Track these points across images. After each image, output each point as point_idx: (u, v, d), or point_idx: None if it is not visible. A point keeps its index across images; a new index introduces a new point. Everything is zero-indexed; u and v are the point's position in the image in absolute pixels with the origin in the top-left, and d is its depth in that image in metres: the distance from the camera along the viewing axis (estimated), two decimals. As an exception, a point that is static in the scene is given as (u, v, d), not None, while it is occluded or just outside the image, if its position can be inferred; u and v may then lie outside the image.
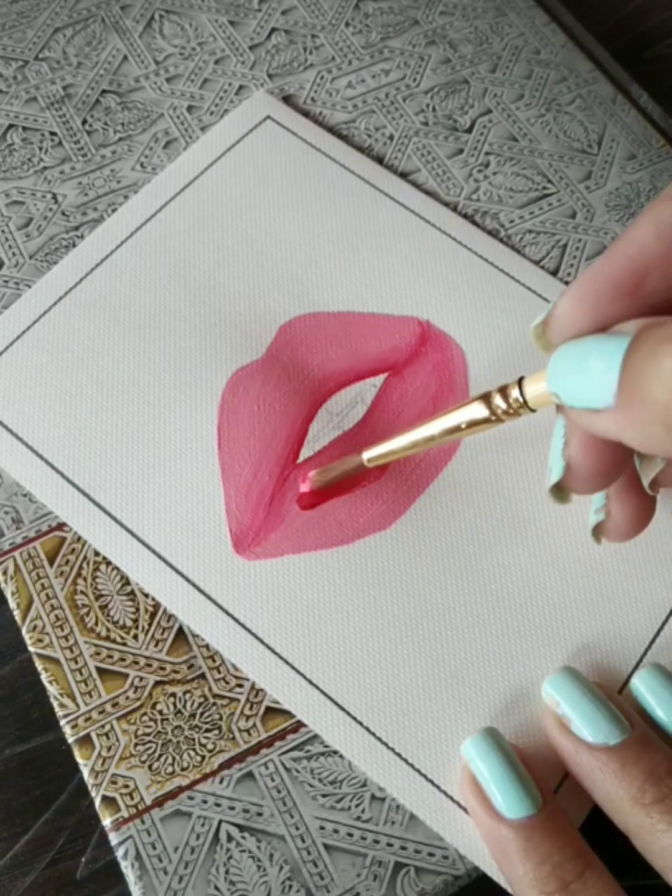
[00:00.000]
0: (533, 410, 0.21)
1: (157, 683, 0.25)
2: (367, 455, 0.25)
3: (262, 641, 0.25)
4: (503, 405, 0.21)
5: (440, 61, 0.35)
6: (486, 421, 0.22)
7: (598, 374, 0.17)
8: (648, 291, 0.18)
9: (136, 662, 0.25)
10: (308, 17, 0.36)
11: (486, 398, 0.22)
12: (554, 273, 0.31)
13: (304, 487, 0.27)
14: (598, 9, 0.41)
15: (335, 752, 0.24)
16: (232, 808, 0.24)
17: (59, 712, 0.25)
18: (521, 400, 0.21)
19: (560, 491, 0.21)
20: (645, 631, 0.26)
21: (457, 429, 0.23)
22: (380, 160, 0.33)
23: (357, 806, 0.24)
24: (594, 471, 0.20)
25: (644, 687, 0.24)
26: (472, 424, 0.22)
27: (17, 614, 0.26)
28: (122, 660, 0.25)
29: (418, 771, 0.24)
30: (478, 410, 0.22)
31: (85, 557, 0.26)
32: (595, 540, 0.23)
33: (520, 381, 0.21)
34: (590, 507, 0.24)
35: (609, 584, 0.26)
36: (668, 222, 0.18)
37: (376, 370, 0.29)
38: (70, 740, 0.24)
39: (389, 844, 0.23)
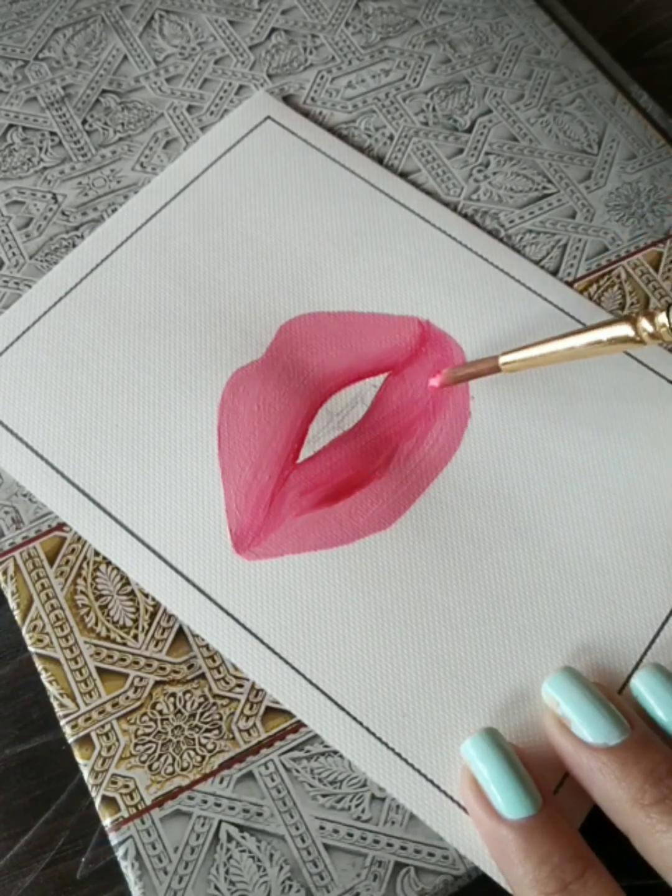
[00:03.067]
0: None
1: (157, 683, 0.25)
2: (504, 359, 0.26)
3: (262, 641, 0.25)
4: (649, 328, 0.22)
5: (440, 61, 0.35)
6: (630, 340, 0.23)
7: None
8: None
9: (136, 662, 0.25)
10: (308, 17, 0.36)
11: (631, 320, 0.23)
12: (554, 273, 0.31)
13: (435, 382, 0.27)
14: (598, 9, 0.41)
15: (335, 752, 0.24)
16: (232, 808, 0.24)
17: (59, 712, 0.25)
18: (668, 325, 0.22)
19: None
20: (645, 631, 0.26)
21: (599, 343, 0.23)
22: (380, 160, 0.33)
23: (357, 806, 0.24)
24: None
25: (644, 687, 0.24)
26: (616, 342, 0.23)
27: (17, 614, 0.26)
28: (122, 660, 0.25)
29: (418, 771, 0.24)
30: (623, 330, 0.23)
31: (85, 557, 0.26)
32: None
33: (668, 308, 0.22)
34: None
35: (609, 584, 0.26)
36: None
37: (376, 370, 0.29)
38: (70, 740, 0.24)
39: (389, 844, 0.23)
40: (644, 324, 0.23)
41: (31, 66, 0.35)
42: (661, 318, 0.22)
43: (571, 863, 0.20)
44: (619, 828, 0.21)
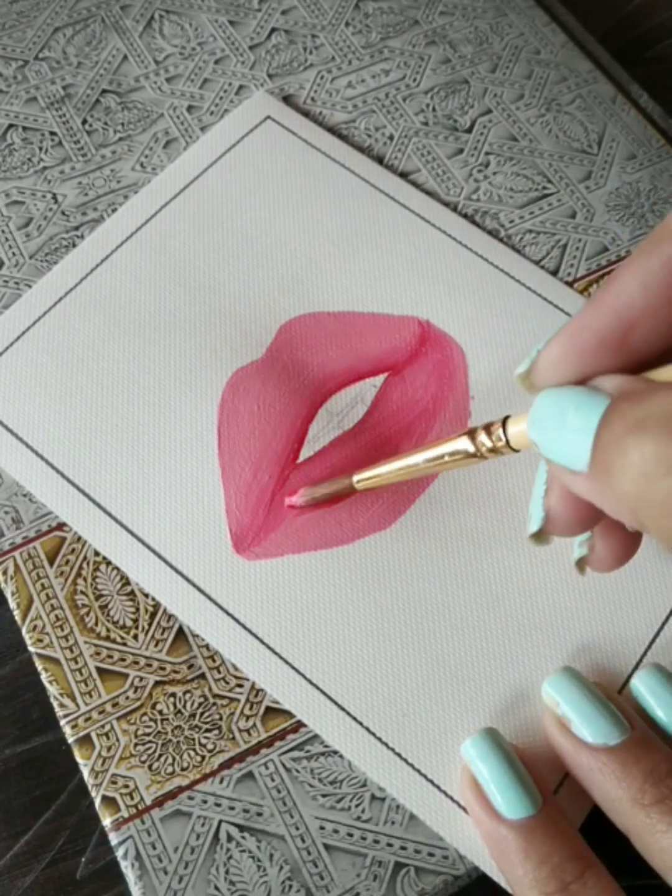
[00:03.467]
0: (516, 450, 0.21)
1: (157, 683, 0.25)
2: (356, 478, 0.25)
3: (262, 641, 0.25)
4: (488, 443, 0.21)
5: (440, 61, 0.35)
6: (470, 455, 0.22)
7: (575, 432, 0.17)
8: (634, 345, 0.17)
9: (136, 662, 0.25)
10: (308, 17, 0.36)
11: (471, 434, 0.22)
12: (554, 273, 0.31)
13: (292, 501, 0.27)
14: (598, 9, 0.41)
15: (335, 752, 0.24)
16: (232, 808, 0.24)
17: (59, 712, 0.25)
18: (504, 439, 0.21)
19: (540, 537, 0.21)
20: (645, 631, 0.26)
21: (441, 460, 0.23)
22: (380, 160, 0.33)
23: (357, 806, 0.24)
24: (574, 519, 0.20)
25: (644, 687, 0.24)
26: (456, 457, 0.22)
27: (17, 614, 0.26)
28: (122, 660, 0.25)
29: (418, 771, 0.24)
30: (463, 445, 0.22)
31: (85, 557, 0.26)
32: (579, 572, 0.23)
33: (504, 421, 0.21)
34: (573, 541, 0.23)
35: (609, 584, 0.26)
36: (654, 274, 0.17)
37: (376, 370, 0.29)
38: (70, 740, 0.24)
39: (389, 844, 0.23)
40: (482, 438, 0.21)
41: (31, 66, 0.35)
42: (499, 431, 0.21)
43: (571, 863, 0.20)
44: (619, 828, 0.21)
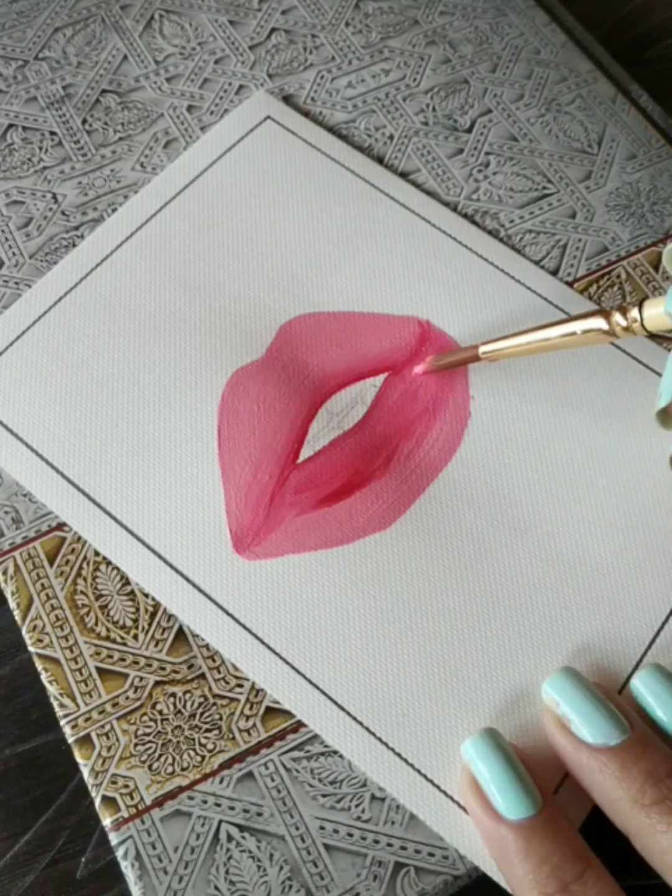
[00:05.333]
0: (649, 332, 0.22)
1: (157, 683, 0.25)
2: (483, 348, 0.26)
3: (262, 641, 0.25)
4: (622, 322, 0.23)
5: (440, 61, 0.35)
6: (603, 333, 0.23)
7: None
8: None
9: (136, 662, 0.25)
10: (308, 16, 0.36)
11: (605, 313, 0.23)
12: (554, 273, 0.31)
13: (419, 369, 0.28)
14: (598, 9, 0.41)
15: (335, 752, 0.24)
16: (232, 808, 0.24)
17: (59, 712, 0.25)
18: (639, 319, 0.22)
19: (667, 415, 0.22)
20: (645, 631, 0.26)
21: (574, 335, 0.24)
22: (380, 160, 0.33)
23: (357, 806, 0.24)
24: None
25: (644, 687, 0.24)
26: (589, 333, 0.24)
27: (17, 614, 0.26)
28: (122, 660, 0.25)
29: (418, 771, 0.24)
30: (597, 323, 0.23)
31: (85, 557, 0.26)
32: (661, 424, 0.24)
33: (641, 303, 0.22)
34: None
35: (609, 584, 0.26)
36: None
37: (376, 370, 0.29)
38: (70, 740, 0.24)
39: (389, 844, 0.23)
40: (617, 318, 0.23)
41: (31, 65, 0.35)
42: (634, 312, 0.23)
43: (571, 863, 0.20)
44: (619, 828, 0.21)
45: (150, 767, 0.24)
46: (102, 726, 0.24)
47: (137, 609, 0.26)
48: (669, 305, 0.21)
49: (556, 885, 0.20)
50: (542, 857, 0.20)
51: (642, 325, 0.23)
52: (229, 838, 0.23)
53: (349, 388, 0.29)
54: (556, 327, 0.25)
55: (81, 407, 0.28)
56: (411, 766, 0.24)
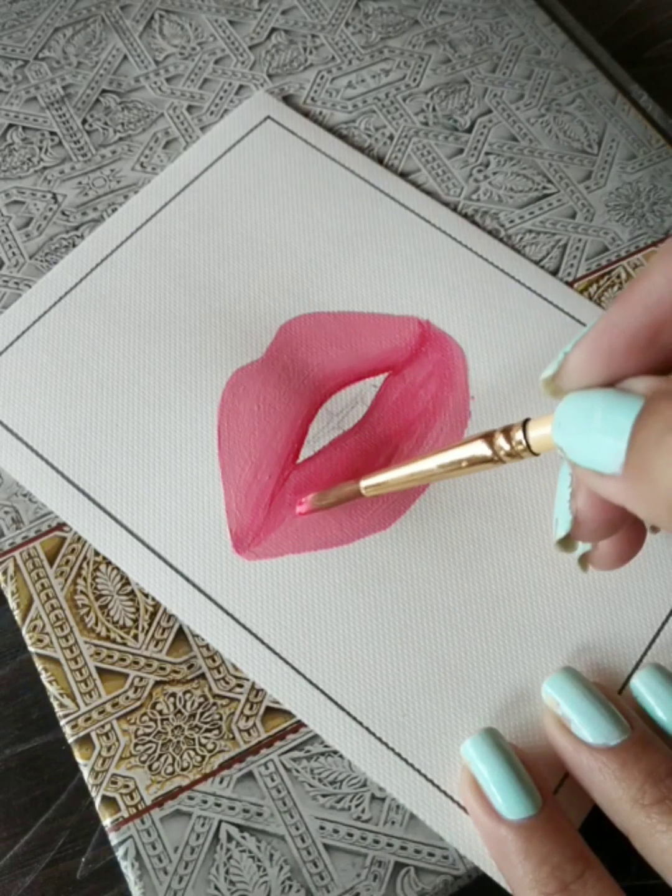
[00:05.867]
0: (536, 454, 0.20)
1: (157, 683, 0.25)
2: (364, 483, 0.25)
3: (262, 641, 0.25)
4: (506, 446, 0.21)
5: (440, 61, 0.35)
6: (487, 460, 0.21)
7: (604, 435, 0.16)
8: (664, 343, 0.17)
9: (136, 662, 0.25)
10: (308, 17, 0.36)
11: (488, 437, 0.21)
12: (554, 273, 0.31)
13: (301, 509, 0.26)
14: (598, 9, 0.41)
15: (335, 752, 0.24)
16: (232, 808, 0.24)
17: (59, 712, 0.25)
18: (524, 443, 0.20)
19: (567, 543, 0.21)
20: (645, 631, 0.26)
21: (457, 466, 0.22)
22: (380, 160, 0.33)
23: (357, 806, 0.24)
24: (602, 522, 0.20)
25: (644, 687, 0.24)
26: (474, 463, 0.22)
27: (17, 614, 0.26)
28: (122, 660, 0.25)
29: (418, 771, 0.24)
30: (480, 449, 0.21)
31: (85, 557, 0.26)
32: (581, 568, 0.22)
33: (524, 424, 0.20)
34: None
35: (609, 584, 0.26)
36: None
37: (376, 370, 0.29)
38: (70, 740, 0.24)
39: (389, 844, 0.23)
40: (500, 442, 0.21)
41: (31, 65, 0.35)
42: (518, 435, 0.20)
43: (571, 863, 0.20)
44: (620, 828, 0.21)
45: (150, 767, 0.24)
46: (102, 726, 0.24)
47: (137, 609, 0.26)
48: (557, 435, 0.18)
49: (555, 885, 0.20)
50: (542, 857, 0.20)
51: (528, 447, 0.20)
52: (229, 838, 0.23)
53: (349, 388, 0.29)
54: (435, 457, 0.23)
55: (81, 407, 0.28)
56: (411, 766, 0.24)
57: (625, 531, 0.21)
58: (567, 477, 0.20)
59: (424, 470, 0.23)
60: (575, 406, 0.18)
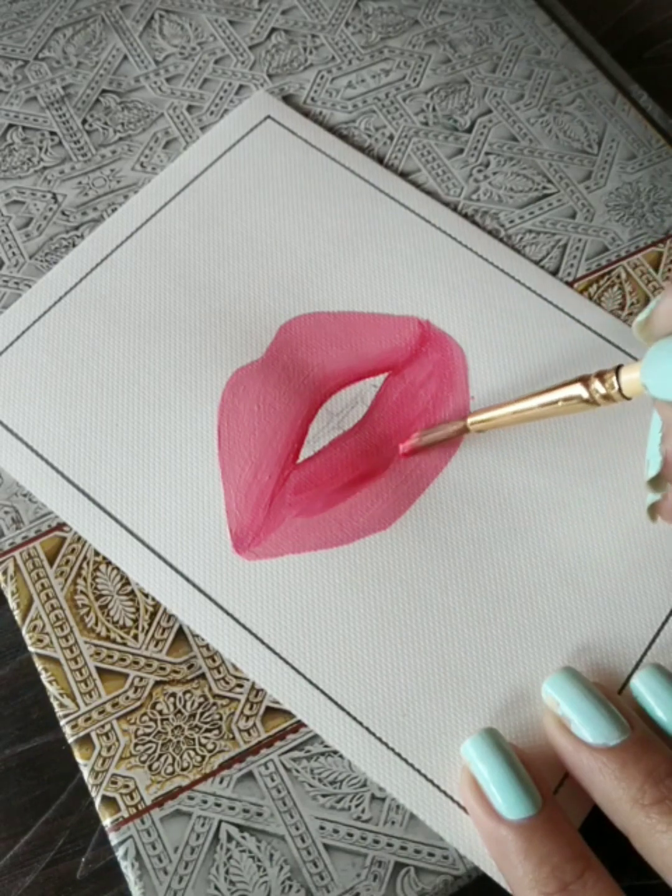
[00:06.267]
0: (628, 398, 0.22)
1: (157, 683, 0.25)
2: (471, 420, 0.26)
3: (262, 641, 0.25)
4: (601, 389, 0.22)
5: (440, 61, 0.35)
6: (583, 401, 0.23)
7: None
8: None
9: (136, 662, 0.25)
10: (308, 16, 0.36)
11: (584, 381, 0.23)
12: (554, 273, 0.31)
13: (405, 447, 0.27)
14: (598, 9, 0.41)
15: (335, 752, 0.24)
16: (232, 808, 0.24)
17: (59, 712, 0.25)
18: (617, 386, 0.22)
19: (658, 483, 0.22)
20: (645, 631, 0.26)
21: (555, 405, 0.24)
22: (380, 160, 0.33)
23: (357, 806, 0.24)
24: None
25: (644, 688, 0.24)
26: (570, 402, 0.23)
27: (17, 614, 0.26)
28: (122, 660, 0.25)
29: (418, 771, 0.24)
30: (576, 391, 0.23)
31: (85, 557, 0.26)
32: (650, 518, 0.24)
33: (617, 370, 0.22)
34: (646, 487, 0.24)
35: (609, 584, 0.26)
36: None
37: (376, 370, 0.29)
38: (70, 740, 0.24)
39: (389, 844, 0.23)
40: (596, 385, 0.23)
41: (31, 65, 0.35)
42: (611, 379, 0.22)
43: (571, 863, 0.20)
44: (619, 828, 0.21)
45: (150, 767, 0.24)
46: (102, 726, 0.24)
47: (137, 609, 0.26)
48: (645, 375, 0.21)
49: (555, 884, 0.20)
50: (542, 857, 0.20)
51: (620, 391, 0.22)
52: (229, 838, 0.23)
53: (349, 388, 0.29)
54: (537, 397, 0.24)
55: (81, 407, 0.28)
56: (411, 766, 0.24)
57: None
58: (658, 421, 0.22)
59: (525, 408, 0.25)
60: (663, 349, 0.20)
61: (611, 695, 0.23)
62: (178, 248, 0.31)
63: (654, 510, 0.24)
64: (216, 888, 0.23)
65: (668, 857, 0.20)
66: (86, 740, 0.24)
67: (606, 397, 0.23)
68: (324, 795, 0.24)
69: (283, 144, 0.32)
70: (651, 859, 0.21)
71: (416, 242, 0.31)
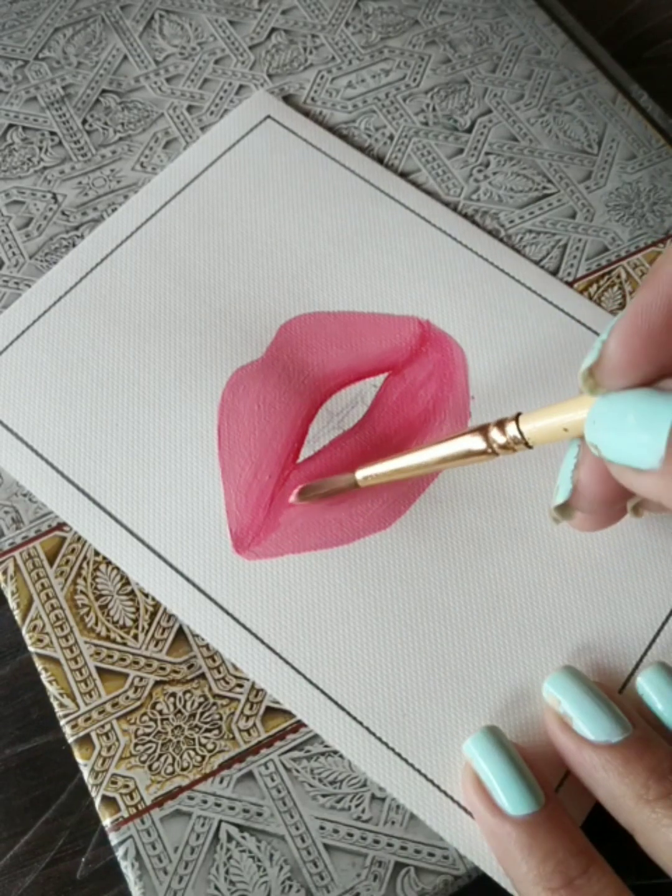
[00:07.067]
0: (530, 447, 0.21)
1: (157, 683, 0.25)
2: (360, 474, 0.25)
3: (262, 641, 0.25)
4: (500, 439, 0.21)
5: (440, 61, 0.35)
6: (482, 453, 0.22)
7: (641, 433, 0.17)
8: None
9: (136, 662, 0.25)
10: (308, 16, 0.36)
11: (483, 431, 0.22)
12: (554, 273, 0.31)
13: (293, 499, 0.26)
14: (598, 9, 0.41)
15: (335, 752, 0.24)
16: (232, 808, 0.24)
17: (59, 712, 0.25)
18: (519, 436, 0.21)
19: (565, 510, 0.21)
20: (645, 631, 0.26)
21: (452, 458, 0.23)
22: (380, 160, 0.33)
23: (357, 806, 0.24)
24: (601, 495, 0.21)
25: (649, 685, 0.24)
26: (469, 455, 0.22)
27: (17, 614, 0.26)
28: (122, 660, 0.25)
29: (418, 771, 0.24)
30: (474, 442, 0.22)
31: (85, 557, 0.26)
32: (553, 520, 0.23)
33: (516, 418, 0.21)
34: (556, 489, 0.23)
35: (609, 584, 0.26)
36: None
37: (376, 370, 0.29)
38: (70, 740, 0.24)
39: (389, 844, 0.23)
40: (494, 435, 0.21)
41: (31, 65, 0.35)
42: (511, 428, 0.21)
43: (575, 858, 0.20)
44: (623, 825, 0.21)
45: (150, 767, 0.24)
46: (102, 726, 0.24)
47: (137, 609, 0.26)
48: (591, 433, 0.19)
49: (560, 880, 0.20)
50: (545, 853, 0.20)
51: (524, 440, 0.21)
52: (229, 838, 0.23)
53: (349, 387, 0.29)
54: (430, 450, 0.23)
55: (81, 406, 0.28)
56: (411, 766, 0.24)
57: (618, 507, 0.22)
58: (575, 448, 0.21)
59: (420, 462, 0.24)
60: (609, 405, 0.18)
61: (612, 694, 0.23)
62: (177, 248, 0.31)
63: (563, 510, 0.22)
64: (216, 888, 0.23)
65: (673, 852, 0.20)
66: (86, 740, 0.24)
67: (505, 447, 0.21)
68: (324, 795, 0.24)
69: (283, 144, 0.32)
70: (656, 855, 0.21)
71: (416, 242, 0.31)
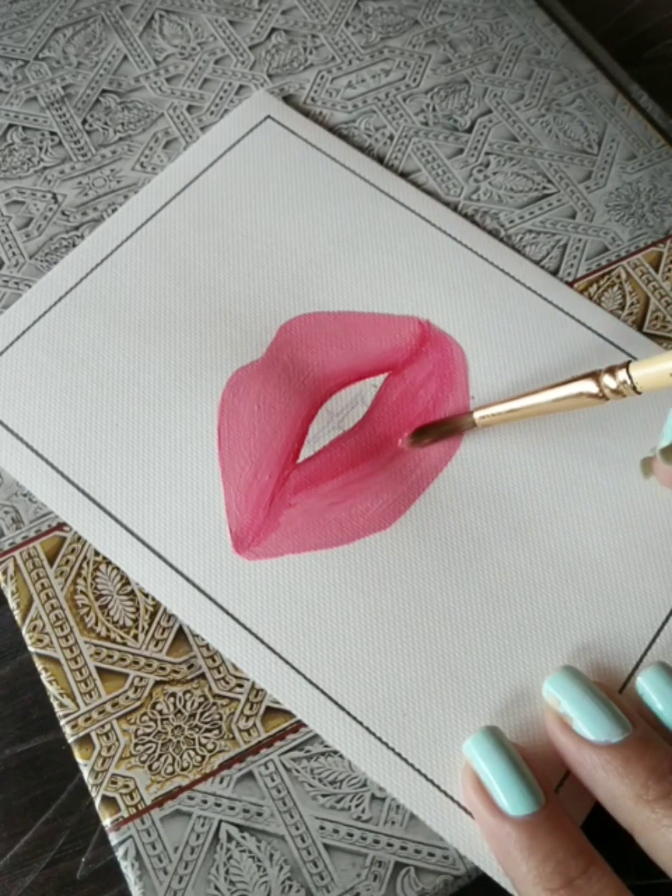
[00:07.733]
0: (639, 392, 0.23)
1: (157, 683, 0.25)
2: (478, 414, 0.27)
3: (262, 641, 0.25)
4: (612, 384, 0.23)
5: (440, 61, 0.35)
6: (594, 396, 0.23)
7: None
8: None
9: (136, 662, 0.25)
10: (308, 17, 0.36)
11: (594, 376, 0.23)
12: (554, 273, 0.31)
13: (402, 444, 0.27)
14: (598, 9, 0.41)
15: (335, 752, 0.24)
16: (232, 808, 0.24)
17: (59, 712, 0.25)
18: (629, 382, 0.22)
19: (668, 454, 0.23)
20: (645, 631, 0.26)
21: (565, 400, 0.24)
22: (380, 160, 0.33)
23: (357, 806, 0.24)
24: None
25: (649, 685, 0.24)
26: (581, 397, 0.24)
27: (17, 614, 0.26)
28: (122, 660, 0.25)
29: (418, 771, 0.24)
30: (587, 386, 0.24)
31: (85, 557, 0.26)
32: (643, 471, 0.25)
33: (627, 365, 0.23)
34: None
35: (609, 584, 0.26)
36: None
37: (376, 370, 0.29)
38: (70, 740, 0.24)
39: (389, 844, 0.23)
40: (606, 379, 0.23)
41: (31, 65, 0.35)
42: (622, 374, 0.23)
43: (576, 858, 0.20)
44: (623, 825, 0.21)
45: (150, 767, 0.24)
46: (102, 726, 0.24)
47: (137, 609, 0.26)
48: None
49: (560, 880, 0.20)
50: (545, 853, 0.20)
51: (633, 387, 0.23)
52: (229, 838, 0.23)
53: (349, 388, 0.29)
54: (547, 392, 0.25)
55: (81, 407, 0.28)
56: (411, 766, 0.24)
57: None
58: None
59: (536, 402, 0.25)
60: None
61: (612, 694, 0.23)
62: (178, 248, 0.31)
63: (647, 465, 0.25)
64: (216, 888, 0.23)
65: (673, 851, 0.20)
66: (86, 740, 0.24)
67: (615, 391, 0.23)
68: (324, 795, 0.24)
69: (283, 144, 0.33)
70: (656, 855, 0.21)
71: (416, 242, 0.31)
